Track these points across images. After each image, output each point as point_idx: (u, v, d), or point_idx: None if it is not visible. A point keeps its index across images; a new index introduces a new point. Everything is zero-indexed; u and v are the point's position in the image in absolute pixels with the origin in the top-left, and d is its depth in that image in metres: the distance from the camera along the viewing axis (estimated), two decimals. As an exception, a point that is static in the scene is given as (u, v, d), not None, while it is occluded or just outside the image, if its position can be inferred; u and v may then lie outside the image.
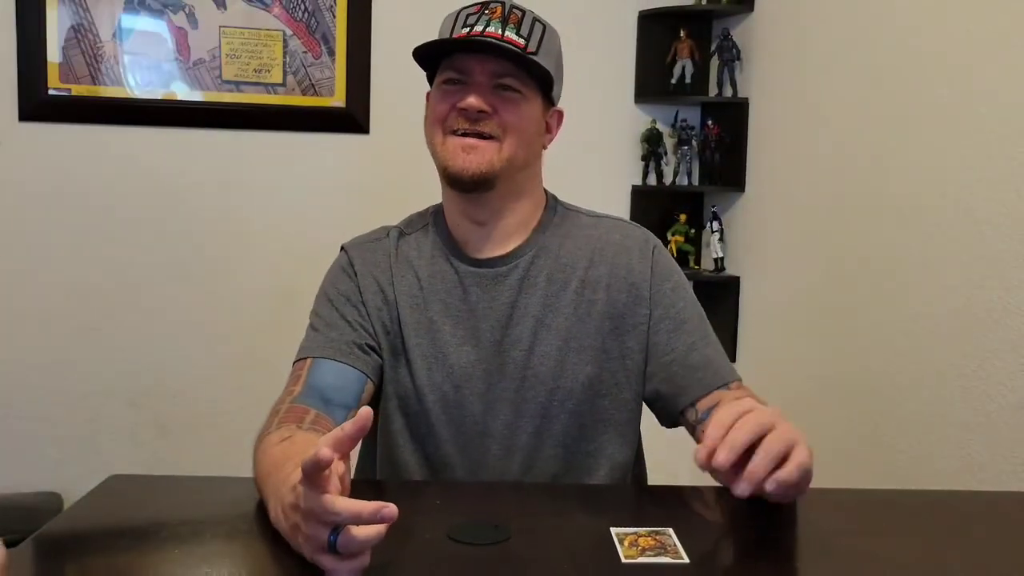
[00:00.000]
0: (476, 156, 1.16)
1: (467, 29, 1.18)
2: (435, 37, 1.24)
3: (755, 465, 0.89)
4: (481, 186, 1.18)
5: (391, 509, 0.78)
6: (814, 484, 0.99)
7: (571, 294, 1.23)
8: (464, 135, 1.17)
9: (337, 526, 0.79)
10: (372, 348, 1.22)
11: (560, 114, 1.29)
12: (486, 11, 1.19)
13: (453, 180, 1.18)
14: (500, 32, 1.17)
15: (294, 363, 1.23)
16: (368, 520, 0.78)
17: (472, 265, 1.24)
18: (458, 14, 1.22)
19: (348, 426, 0.81)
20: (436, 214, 1.30)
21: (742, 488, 0.90)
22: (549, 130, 1.27)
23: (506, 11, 1.19)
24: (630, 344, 1.24)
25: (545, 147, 1.27)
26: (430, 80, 1.26)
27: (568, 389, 1.22)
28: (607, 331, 1.23)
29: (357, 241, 1.31)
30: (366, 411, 0.81)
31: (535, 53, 1.18)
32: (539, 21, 1.22)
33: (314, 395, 1.16)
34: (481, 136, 1.17)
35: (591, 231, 1.28)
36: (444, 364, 1.22)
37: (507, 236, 1.24)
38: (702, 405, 1.20)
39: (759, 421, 0.92)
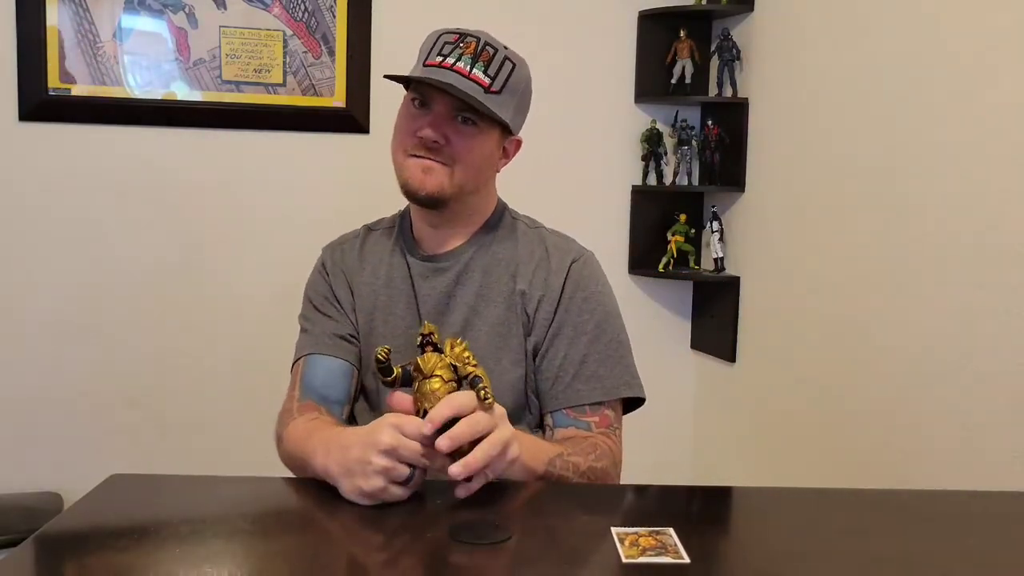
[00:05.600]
0: (431, 178, 1.30)
1: (441, 58, 1.29)
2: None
3: (474, 457, 1.00)
4: (434, 204, 1.32)
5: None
6: (814, 484, 0.99)
7: (504, 288, 1.35)
8: (421, 158, 1.30)
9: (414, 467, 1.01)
10: (353, 336, 1.39)
11: (518, 142, 1.40)
12: (461, 43, 1.30)
13: (409, 196, 1.34)
14: (468, 69, 1.27)
15: (292, 366, 1.40)
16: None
17: (421, 260, 1.39)
18: (438, 38, 1.32)
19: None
20: (403, 216, 1.47)
21: (456, 471, 1.00)
22: (506, 155, 1.40)
23: (479, 47, 1.29)
24: (530, 343, 1.34)
25: (498, 171, 1.41)
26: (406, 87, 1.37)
27: (491, 371, 1.32)
28: (524, 329, 1.34)
29: (332, 242, 1.49)
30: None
31: (498, 92, 1.29)
32: (509, 59, 1.32)
33: (312, 393, 1.32)
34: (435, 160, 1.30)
35: (526, 239, 1.40)
36: (393, 341, 1.35)
37: (453, 237, 1.39)
38: (561, 414, 1.32)
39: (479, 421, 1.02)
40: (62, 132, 2.42)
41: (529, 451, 1.13)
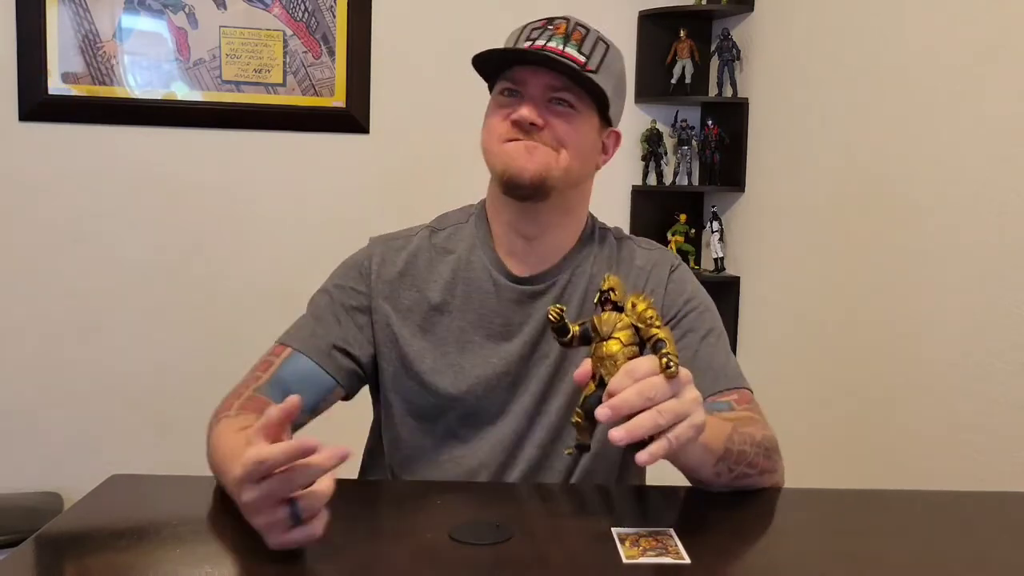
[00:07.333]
0: (536, 157, 1.15)
1: (529, 43, 1.17)
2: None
3: (639, 419, 0.87)
4: (538, 192, 1.17)
5: (312, 443, 0.81)
6: (814, 484, 0.99)
7: None
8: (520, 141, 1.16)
9: (292, 499, 0.83)
10: (352, 356, 1.22)
11: (618, 135, 1.27)
12: (550, 26, 1.19)
13: (511, 183, 1.16)
14: (561, 47, 1.16)
15: (276, 343, 1.23)
16: (294, 455, 0.81)
17: (512, 281, 1.23)
18: (524, 28, 1.21)
19: (274, 412, 0.85)
20: (478, 219, 1.27)
21: (617, 435, 0.86)
22: (605, 151, 1.26)
23: (570, 28, 1.19)
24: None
25: (599, 167, 1.26)
26: (490, 88, 1.25)
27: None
28: None
29: (388, 239, 1.28)
30: (295, 400, 0.86)
31: (595, 72, 1.17)
32: (603, 40, 1.21)
33: (277, 389, 1.16)
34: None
35: (620, 254, 1.29)
36: (470, 373, 1.21)
37: (548, 254, 1.24)
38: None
39: (658, 387, 0.88)
40: (62, 132, 2.42)
41: (708, 430, 0.97)
